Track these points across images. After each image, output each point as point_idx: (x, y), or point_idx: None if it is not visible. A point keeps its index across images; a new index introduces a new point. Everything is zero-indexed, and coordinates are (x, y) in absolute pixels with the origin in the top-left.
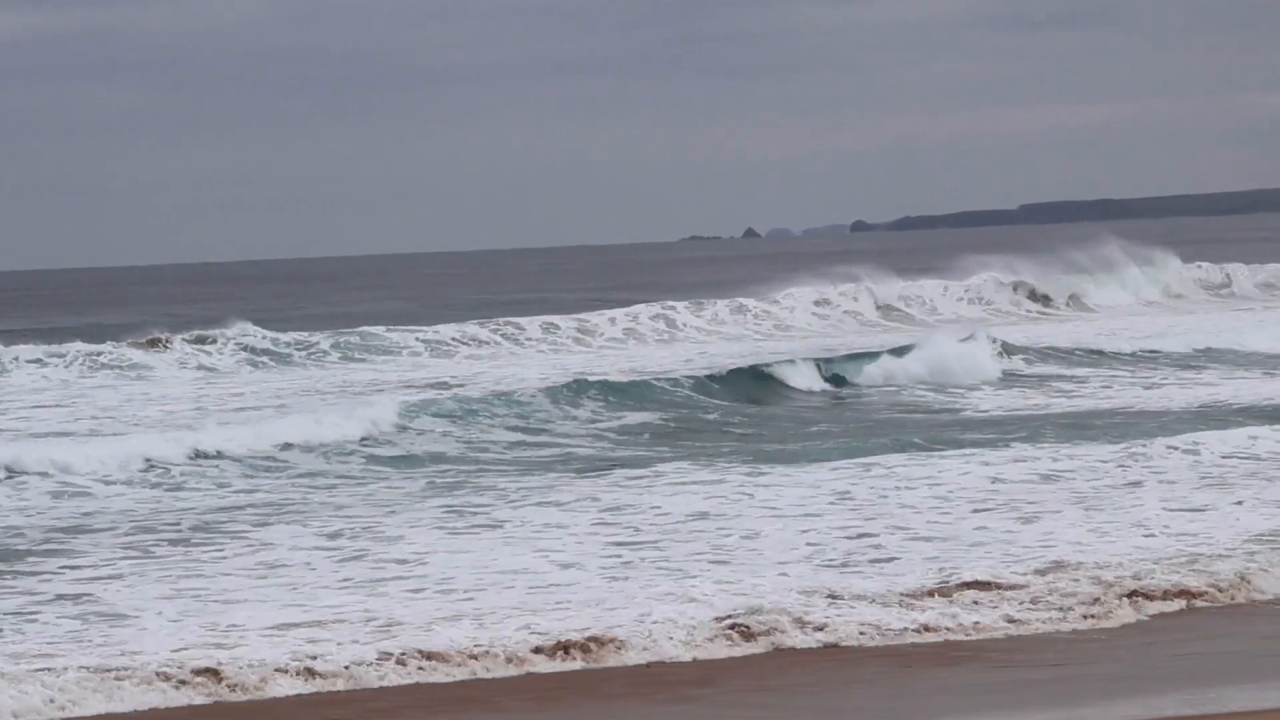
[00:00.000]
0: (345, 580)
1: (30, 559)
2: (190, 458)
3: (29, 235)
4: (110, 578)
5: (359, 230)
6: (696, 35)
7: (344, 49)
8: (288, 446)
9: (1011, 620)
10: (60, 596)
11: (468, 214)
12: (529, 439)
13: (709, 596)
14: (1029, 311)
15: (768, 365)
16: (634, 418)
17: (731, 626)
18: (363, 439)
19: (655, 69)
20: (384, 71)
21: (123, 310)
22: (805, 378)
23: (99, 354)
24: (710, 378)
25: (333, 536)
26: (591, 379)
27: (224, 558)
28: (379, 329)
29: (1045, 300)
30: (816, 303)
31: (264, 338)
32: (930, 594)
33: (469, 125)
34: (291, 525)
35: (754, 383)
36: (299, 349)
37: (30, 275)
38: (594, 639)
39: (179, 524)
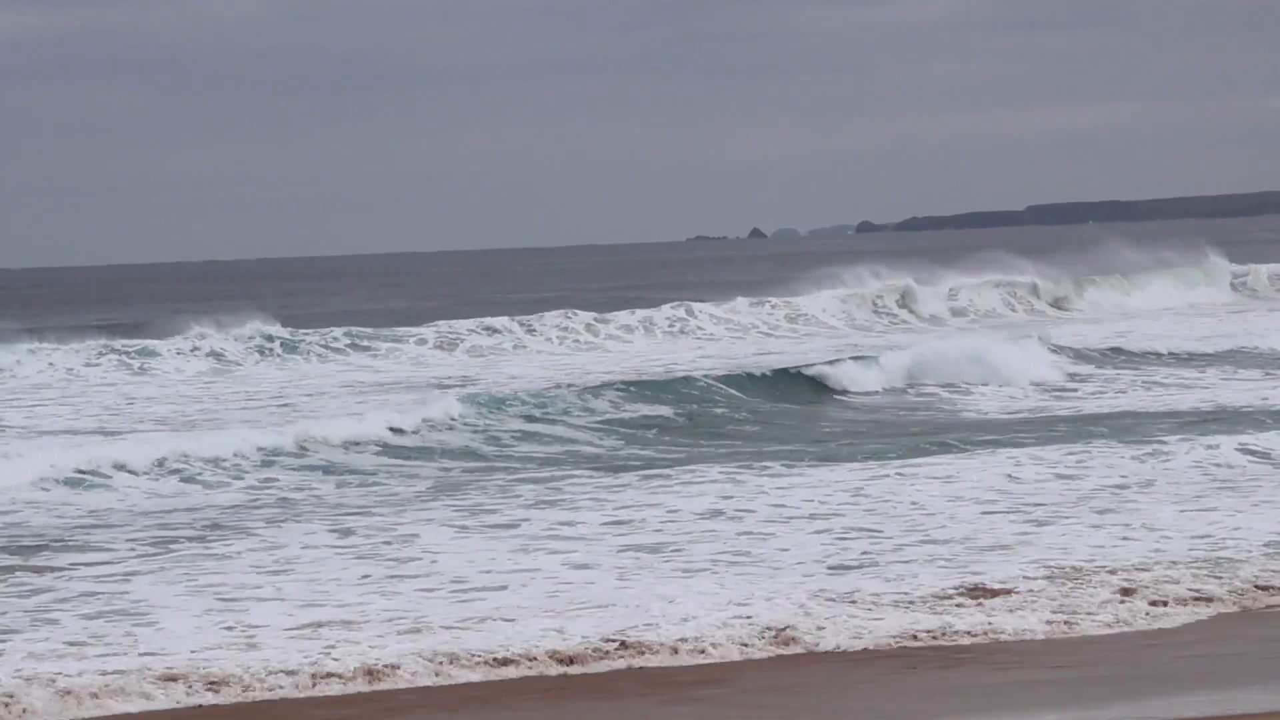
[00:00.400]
0: (364, 577)
1: (68, 553)
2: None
3: (30, 234)
4: (133, 574)
5: (358, 230)
6: (697, 35)
7: (344, 49)
8: (348, 443)
9: (1030, 625)
10: (83, 594)
11: (469, 214)
12: (578, 436)
13: (736, 603)
14: (1058, 312)
15: (809, 365)
16: (667, 416)
17: (759, 632)
18: (422, 432)
19: (656, 69)
20: (384, 71)
21: (134, 308)
22: (844, 378)
23: (140, 349)
24: (749, 377)
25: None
26: (642, 379)
27: (239, 554)
28: (426, 328)
29: (1065, 301)
30: (845, 300)
31: (303, 334)
32: (945, 598)
33: (469, 125)
34: (351, 520)
35: (790, 382)
36: (343, 345)
37: (34, 274)
38: (623, 643)
39: (203, 521)
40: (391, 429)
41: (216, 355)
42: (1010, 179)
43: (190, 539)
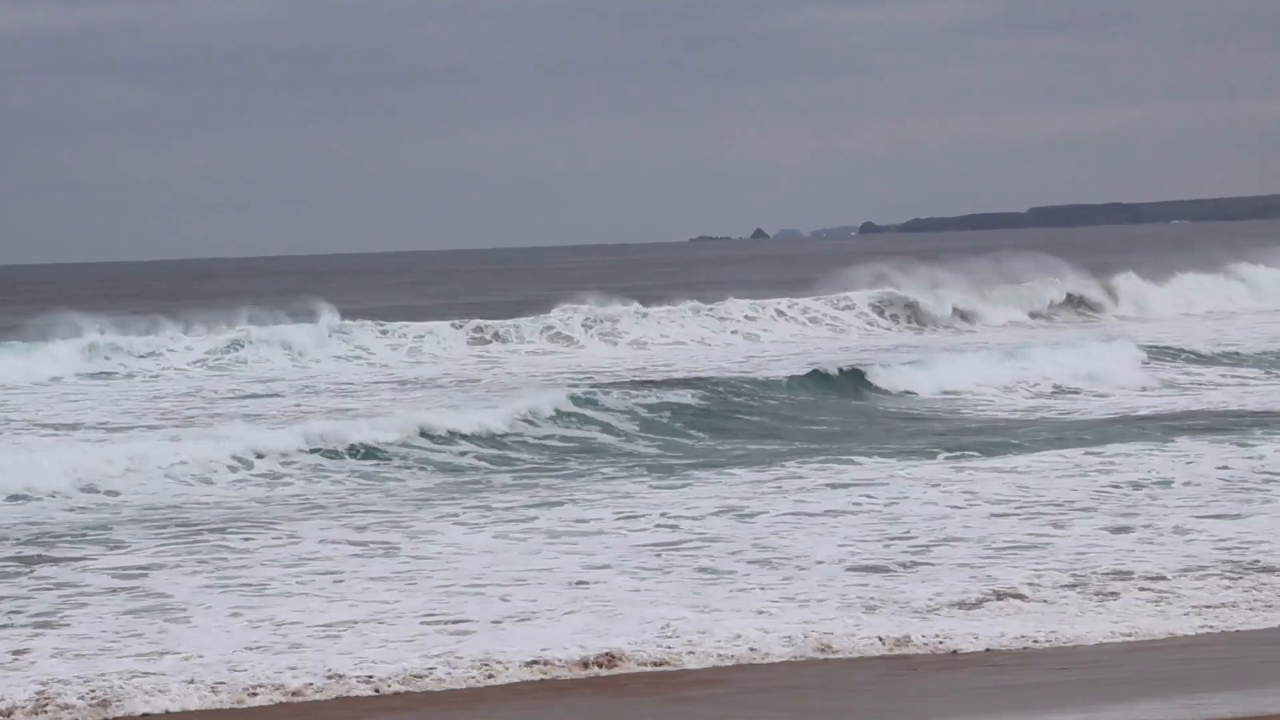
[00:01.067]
0: (389, 573)
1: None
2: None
3: (33, 232)
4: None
5: (359, 229)
6: (698, 36)
7: (346, 48)
8: (449, 435)
9: (1051, 631)
10: (114, 590)
11: (471, 213)
12: (651, 436)
13: (759, 609)
14: (1087, 315)
15: (865, 365)
16: (698, 413)
17: (785, 638)
18: (534, 426)
19: (658, 70)
20: (385, 71)
21: (177, 303)
22: (905, 381)
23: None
24: (796, 378)
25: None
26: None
27: (261, 548)
28: (529, 320)
29: (1093, 305)
30: (882, 303)
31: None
32: (964, 605)
33: (471, 125)
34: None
35: (847, 384)
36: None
37: (38, 271)
38: (645, 657)
39: (259, 516)
40: (512, 421)
41: (286, 348)
42: (1013, 181)
43: (214, 532)
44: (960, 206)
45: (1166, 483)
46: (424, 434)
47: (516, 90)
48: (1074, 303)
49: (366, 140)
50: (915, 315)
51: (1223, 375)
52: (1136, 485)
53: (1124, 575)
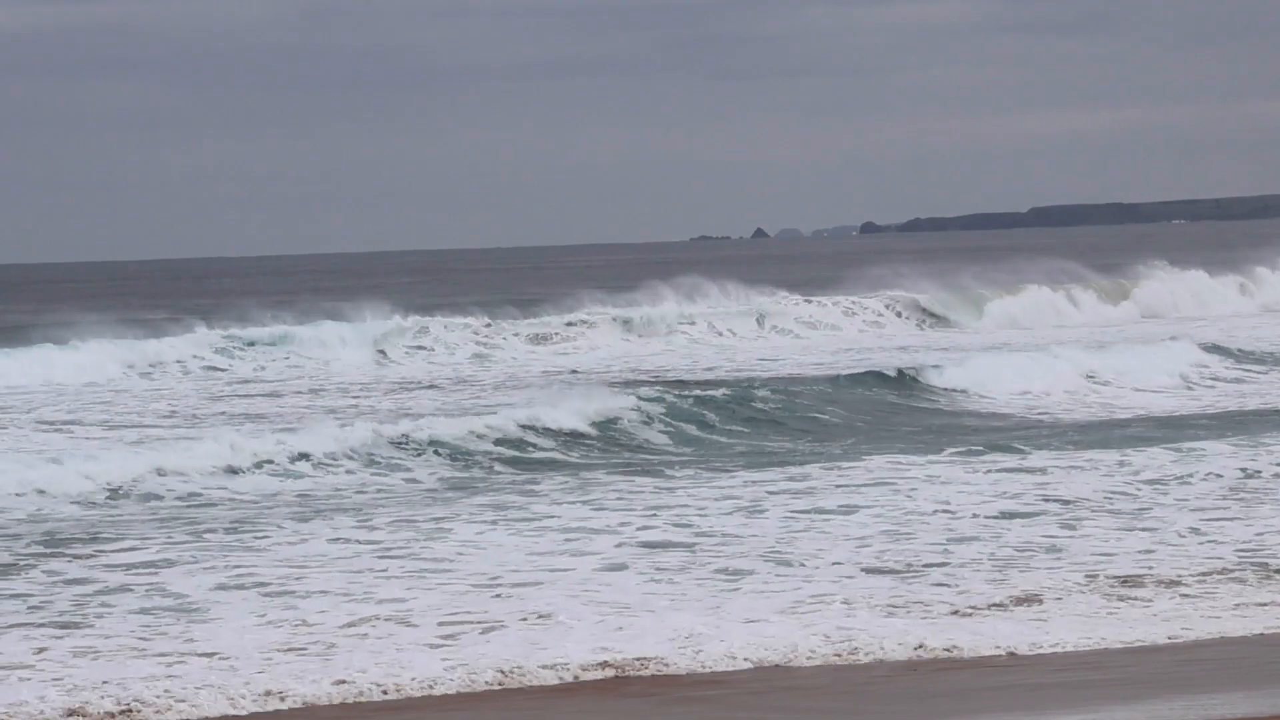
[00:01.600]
0: (406, 571)
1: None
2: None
3: (37, 230)
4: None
5: (361, 228)
6: (701, 37)
7: (348, 48)
8: (533, 429)
9: (1068, 635)
10: (133, 587)
11: (472, 212)
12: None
13: (780, 612)
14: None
15: (913, 368)
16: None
17: (808, 643)
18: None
19: (660, 70)
20: (387, 71)
21: (201, 301)
22: (944, 380)
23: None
24: (828, 378)
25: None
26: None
27: (276, 545)
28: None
29: (1114, 304)
30: (905, 304)
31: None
32: (978, 607)
33: (472, 124)
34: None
35: (892, 385)
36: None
37: (45, 269)
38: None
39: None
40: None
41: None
42: (1013, 181)
43: (226, 530)
44: (960, 206)
45: (1186, 481)
46: (503, 437)
47: (516, 90)
48: (1099, 301)
49: (367, 140)
50: (938, 316)
51: (1255, 373)
52: (1155, 483)
53: (1139, 577)
